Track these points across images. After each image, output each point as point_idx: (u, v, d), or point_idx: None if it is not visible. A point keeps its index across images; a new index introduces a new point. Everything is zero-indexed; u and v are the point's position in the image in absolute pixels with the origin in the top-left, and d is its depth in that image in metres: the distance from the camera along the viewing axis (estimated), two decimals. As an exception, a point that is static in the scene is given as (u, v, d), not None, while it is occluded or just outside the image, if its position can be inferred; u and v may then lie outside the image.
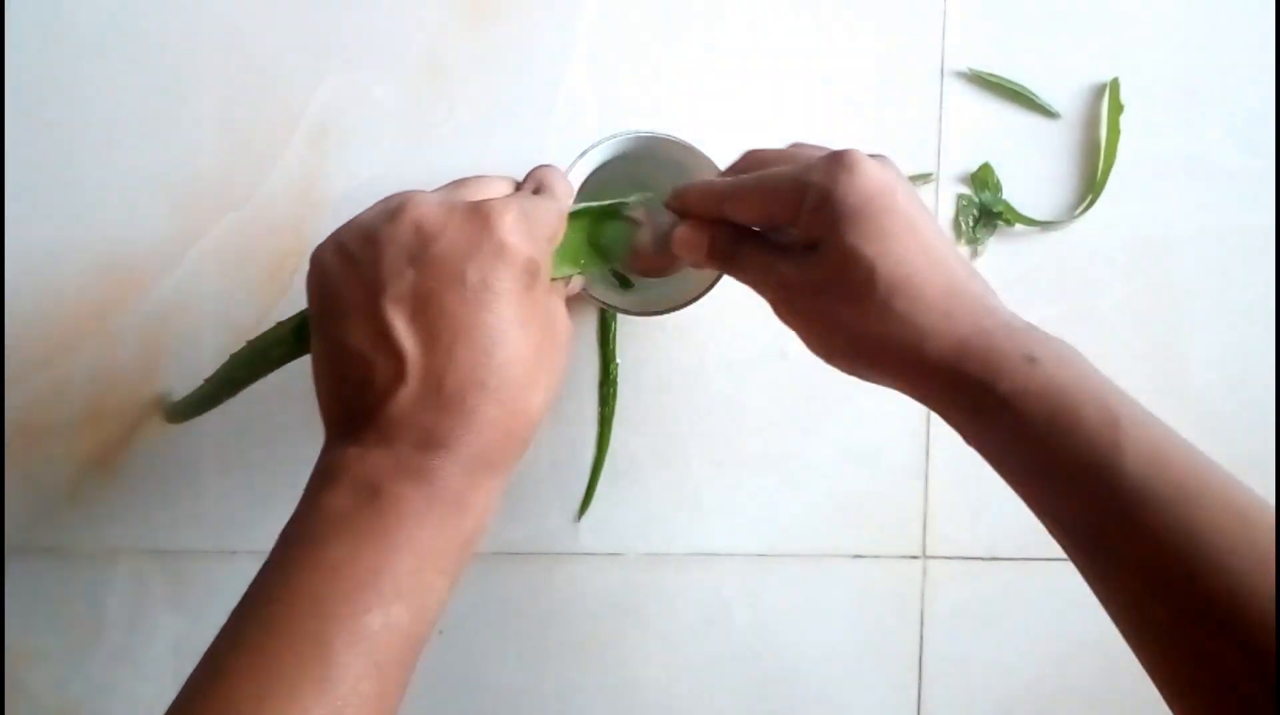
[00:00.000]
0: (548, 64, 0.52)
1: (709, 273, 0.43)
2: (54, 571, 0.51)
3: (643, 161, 0.44)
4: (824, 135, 0.53)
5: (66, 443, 0.51)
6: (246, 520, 0.52)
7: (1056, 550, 0.33)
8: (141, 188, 0.51)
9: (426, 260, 0.33)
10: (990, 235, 0.53)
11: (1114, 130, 0.53)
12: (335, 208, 0.51)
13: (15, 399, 0.51)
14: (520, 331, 0.33)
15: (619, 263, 0.40)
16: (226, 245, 0.51)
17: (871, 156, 0.35)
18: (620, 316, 0.52)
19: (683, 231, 0.39)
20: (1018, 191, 0.53)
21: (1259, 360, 0.54)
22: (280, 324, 0.39)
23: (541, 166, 0.39)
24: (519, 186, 0.39)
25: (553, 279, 0.37)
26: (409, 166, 0.51)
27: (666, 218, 0.40)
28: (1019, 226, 0.53)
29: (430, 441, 0.32)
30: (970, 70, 0.53)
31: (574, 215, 0.39)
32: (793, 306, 0.37)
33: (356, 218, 0.35)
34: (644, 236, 0.40)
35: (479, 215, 0.33)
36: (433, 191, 0.36)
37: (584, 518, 0.53)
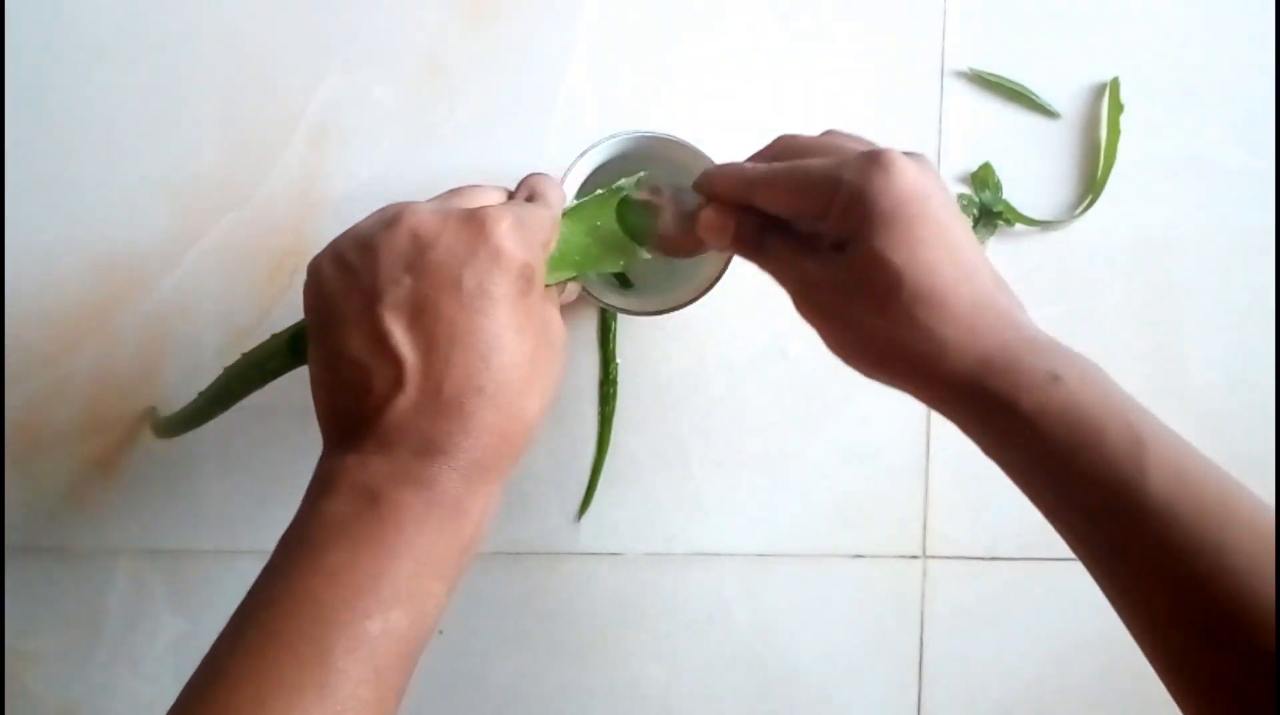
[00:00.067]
0: (548, 64, 0.52)
1: (709, 273, 0.43)
2: (54, 571, 0.51)
3: (643, 161, 0.44)
4: (824, 135, 0.53)
5: (67, 442, 0.51)
6: (246, 521, 0.52)
7: (1056, 550, 0.33)
8: (141, 188, 0.51)
9: (423, 267, 0.33)
10: (990, 235, 0.53)
11: (1114, 130, 0.53)
12: (335, 208, 0.51)
13: (15, 399, 0.51)
14: (517, 337, 0.33)
15: (646, 245, 0.40)
16: (226, 245, 0.51)
17: (908, 155, 0.34)
18: (620, 316, 0.52)
19: (709, 214, 0.38)
20: (1018, 191, 0.53)
21: (1259, 360, 0.54)
22: (274, 336, 0.39)
23: (534, 174, 0.39)
24: (512, 195, 0.39)
25: (547, 285, 0.37)
26: (409, 166, 0.51)
27: (692, 199, 0.40)
28: (1019, 226, 0.53)
29: (429, 448, 0.32)
30: (970, 70, 0.53)
31: (572, 213, 0.39)
32: (814, 304, 0.36)
33: (353, 227, 0.35)
34: (667, 218, 0.40)
35: (474, 222, 0.34)
36: (427, 201, 0.36)
37: (584, 518, 0.53)
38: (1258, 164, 0.54)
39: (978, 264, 0.34)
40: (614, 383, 0.52)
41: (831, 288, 0.35)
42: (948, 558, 0.54)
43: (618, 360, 0.52)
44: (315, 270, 0.35)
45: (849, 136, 0.39)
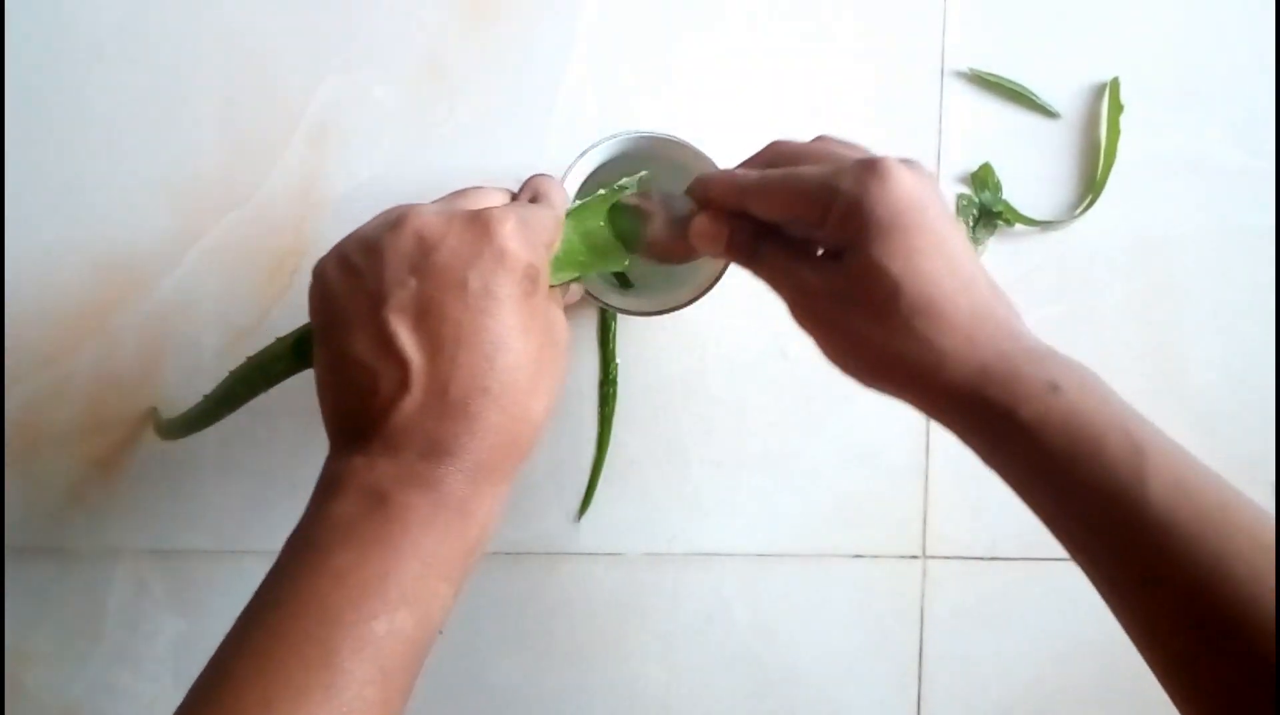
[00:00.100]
0: (548, 64, 0.52)
1: (709, 273, 0.43)
2: (54, 571, 0.51)
3: (643, 161, 0.44)
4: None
5: (67, 442, 0.51)
6: (246, 520, 0.52)
7: (1056, 550, 0.33)
8: (141, 188, 0.51)
9: (428, 269, 0.33)
10: (990, 235, 0.53)
11: (1114, 130, 0.53)
12: (335, 208, 0.51)
13: (15, 399, 0.51)
14: (522, 337, 0.34)
15: (636, 251, 0.40)
16: (226, 245, 0.51)
17: (904, 162, 0.34)
18: (620, 316, 0.52)
19: (701, 222, 0.38)
20: (1018, 191, 0.53)
21: (1259, 360, 0.54)
22: (279, 340, 0.39)
23: (537, 175, 0.39)
24: (515, 197, 0.39)
25: (551, 286, 0.37)
26: (409, 166, 0.51)
27: (684, 205, 0.40)
28: (1019, 226, 0.53)
29: (435, 449, 0.32)
30: (970, 70, 0.53)
31: (573, 214, 0.39)
32: (810, 313, 0.36)
33: (357, 230, 0.35)
34: (658, 223, 0.39)
35: (479, 223, 0.34)
36: (431, 203, 0.36)
37: (584, 518, 0.53)
38: (1258, 164, 0.54)
39: (975, 273, 0.34)
40: (614, 383, 0.52)
41: (828, 297, 0.35)
42: (948, 558, 0.54)
43: (618, 360, 0.52)
44: (320, 273, 0.35)
45: (841, 143, 0.39)
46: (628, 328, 0.52)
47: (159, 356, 0.51)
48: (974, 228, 0.53)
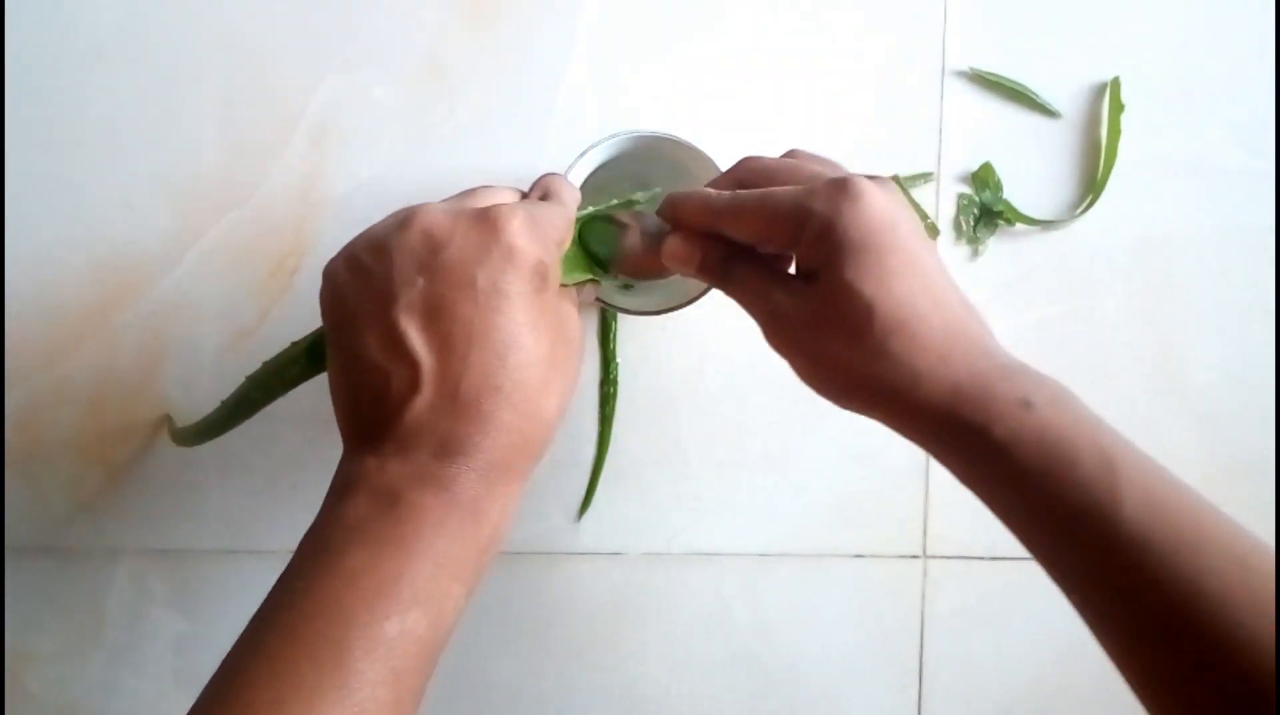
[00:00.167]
0: (548, 64, 0.52)
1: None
2: (54, 571, 0.51)
3: (643, 161, 0.44)
4: (825, 135, 0.53)
5: (67, 442, 0.51)
6: (246, 520, 0.52)
7: (1057, 550, 0.33)
8: (141, 188, 0.51)
9: (436, 267, 0.33)
10: (991, 235, 0.53)
11: (1115, 130, 0.53)
12: (335, 208, 0.51)
13: (15, 399, 0.51)
14: (533, 335, 0.33)
15: (610, 267, 0.40)
16: (226, 245, 0.51)
17: (872, 180, 0.34)
18: (620, 316, 0.52)
19: (673, 243, 0.38)
20: (1018, 191, 0.53)
21: (1259, 360, 0.54)
22: (294, 344, 0.39)
23: (548, 174, 0.39)
24: (525, 195, 0.39)
25: (564, 285, 0.37)
26: (409, 166, 0.51)
27: (657, 223, 0.39)
28: (1020, 226, 0.53)
29: (447, 449, 0.32)
30: (971, 70, 0.53)
31: (583, 220, 0.39)
32: (784, 335, 0.36)
33: (366, 230, 0.35)
34: (632, 238, 0.39)
35: (487, 221, 0.33)
36: (440, 202, 0.36)
37: (584, 518, 0.53)
38: (1258, 164, 0.54)
39: (947, 291, 0.34)
40: (614, 383, 0.52)
41: (802, 320, 0.35)
42: (948, 558, 0.54)
43: (618, 360, 0.52)
44: (330, 274, 0.35)
45: (812, 157, 0.39)
46: (628, 328, 0.52)
47: (159, 356, 0.51)
48: (975, 227, 0.53)
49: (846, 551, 0.54)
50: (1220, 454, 0.54)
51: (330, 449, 0.34)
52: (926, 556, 0.54)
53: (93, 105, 0.50)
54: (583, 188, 0.43)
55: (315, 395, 0.37)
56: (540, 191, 0.39)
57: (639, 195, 0.40)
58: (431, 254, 0.33)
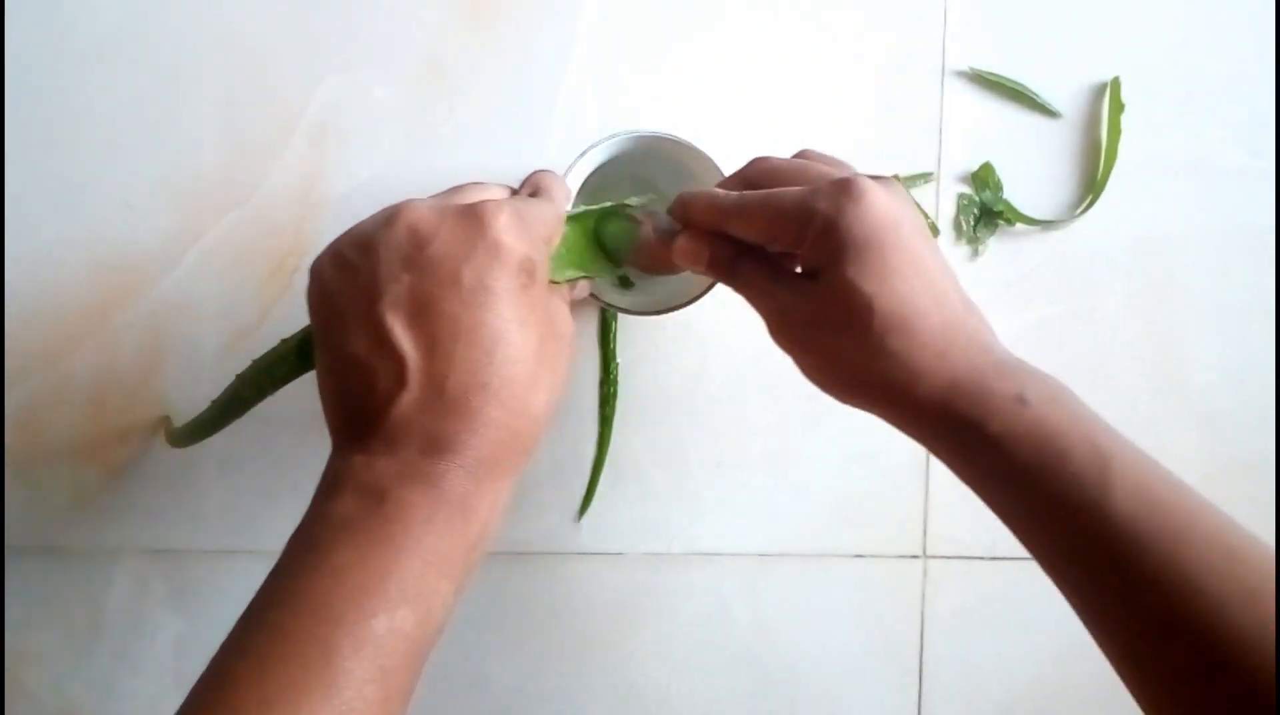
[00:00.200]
0: (548, 64, 0.52)
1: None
2: (54, 571, 0.51)
3: (643, 161, 0.44)
4: (825, 135, 0.53)
5: (67, 442, 0.51)
6: (246, 520, 0.52)
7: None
8: (141, 188, 0.51)
9: (422, 263, 0.33)
10: (991, 235, 0.53)
11: (1115, 130, 0.53)
12: (335, 208, 0.51)
13: (15, 399, 0.51)
14: (520, 331, 0.33)
15: (623, 260, 0.41)
16: (226, 245, 0.51)
17: (876, 179, 0.35)
18: (620, 316, 0.52)
19: (683, 241, 0.39)
20: (1018, 191, 0.53)
21: (1259, 360, 0.54)
22: (284, 341, 0.39)
23: (538, 171, 0.39)
24: (515, 192, 0.39)
25: (556, 282, 0.37)
26: (409, 166, 0.51)
27: (669, 221, 0.40)
28: (1020, 226, 0.53)
29: (435, 446, 0.32)
30: (971, 70, 0.53)
31: (576, 217, 0.39)
32: (787, 332, 0.37)
33: (352, 227, 0.35)
34: (645, 235, 0.40)
35: (473, 217, 0.33)
36: (427, 198, 0.36)
37: (584, 518, 0.53)
38: (1258, 164, 0.54)
39: (948, 289, 0.35)
40: (614, 383, 0.52)
41: (805, 318, 0.36)
42: (948, 558, 0.54)
43: (618, 360, 0.52)
44: (316, 271, 0.35)
45: (822, 158, 0.39)
46: (628, 328, 0.52)
47: (159, 356, 0.51)
48: (975, 227, 0.53)
49: (846, 551, 0.54)
50: (1220, 454, 0.54)
51: (330, 449, 0.34)
52: (926, 556, 0.54)
53: (93, 105, 0.50)
54: (583, 187, 0.43)
55: (315, 395, 0.37)
56: (530, 188, 0.39)
57: (633, 200, 0.41)
58: (417, 250, 0.33)
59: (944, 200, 0.53)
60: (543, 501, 0.53)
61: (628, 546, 0.53)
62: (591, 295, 0.43)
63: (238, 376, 0.41)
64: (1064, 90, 0.53)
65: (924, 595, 0.54)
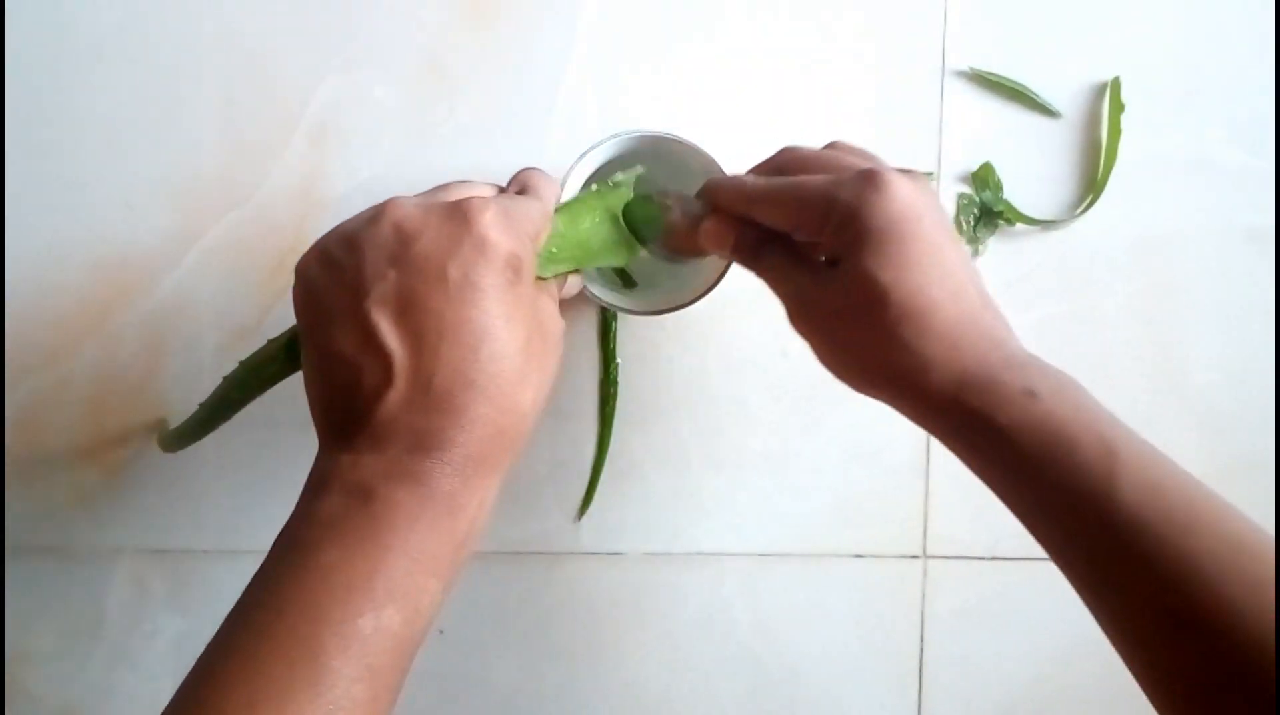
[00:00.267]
0: (548, 64, 0.52)
1: (710, 273, 0.43)
2: (54, 571, 0.51)
3: (643, 161, 0.44)
4: (825, 135, 0.53)
5: (67, 442, 0.51)
6: (246, 520, 0.52)
7: (1057, 550, 0.33)
8: (141, 188, 0.51)
9: (408, 260, 0.33)
10: (991, 234, 0.53)
11: (1115, 130, 0.53)
12: (335, 208, 0.51)
13: (15, 399, 0.51)
14: (506, 328, 0.33)
15: (651, 244, 0.41)
16: (226, 245, 0.51)
17: (903, 172, 0.35)
18: (620, 316, 0.52)
19: (710, 224, 0.39)
20: (1019, 191, 0.53)
21: (1259, 360, 0.54)
22: (271, 341, 0.39)
23: (526, 169, 0.40)
24: (503, 190, 0.39)
25: (543, 278, 0.37)
26: (409, 166, 0.51)
27: (697, 205, 0.41)
28: (1020, 226, 0.53)
29: (421, 443, 0.32)
30: (971, 69, 0.53)
31: (569, 207, 0.39)
32: (806, 319, 0.37)
33: (338, 225, 0.35)
34: (674, 219, 0.41)
35: (458, 213, 0.33)
36: (414, 196, 0.36)
37: (584, 518, 0.53)
38: (1258, 164, 0.54)
39: (965, 282, 0.35)
40: (614, 383, 0.52)
41: (823, 305, 0.36)
42: (948, 558, 0.54)
43: (618, 360, 0.52)
44: (303, 270, 0.35)
45: (851, 149, 0.39)
46: (629, 327, 0.52)
47: (159, 356, 0.51)
48: (975, 227, 0.53)
49: (846, 551, 0.54)
50: (1220, 454, 0.54)
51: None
52: (926, 556, 0.54)
53: (93, 105, 0.50)
54: (584, 188, 0.43)
55: (315, 395, 0.37)
56: (518, 186, 0.39)
57: (619, 177, 0.41)
58: (403, 247, 0.33)
59: (944, 200, 0.53)
60: (542, 501, 0.53)
61: (628, 546, 0.53)
62: (592, 295, 0.43)
63: (225, 377, 0.41)
64: (1064, 90, 0.53)
65: (924, 595, 0.54)
